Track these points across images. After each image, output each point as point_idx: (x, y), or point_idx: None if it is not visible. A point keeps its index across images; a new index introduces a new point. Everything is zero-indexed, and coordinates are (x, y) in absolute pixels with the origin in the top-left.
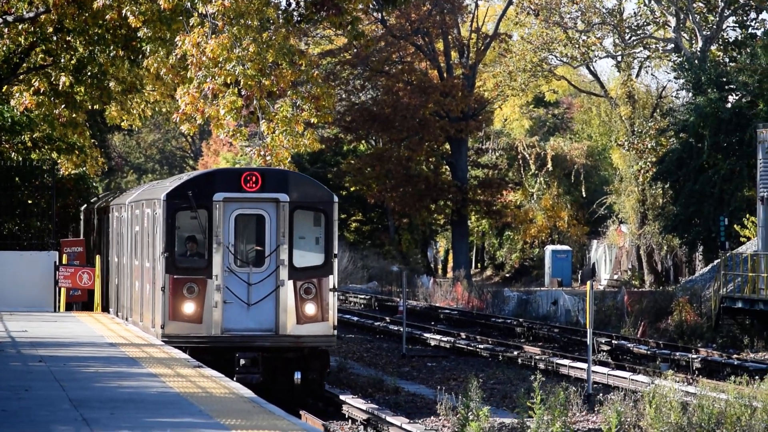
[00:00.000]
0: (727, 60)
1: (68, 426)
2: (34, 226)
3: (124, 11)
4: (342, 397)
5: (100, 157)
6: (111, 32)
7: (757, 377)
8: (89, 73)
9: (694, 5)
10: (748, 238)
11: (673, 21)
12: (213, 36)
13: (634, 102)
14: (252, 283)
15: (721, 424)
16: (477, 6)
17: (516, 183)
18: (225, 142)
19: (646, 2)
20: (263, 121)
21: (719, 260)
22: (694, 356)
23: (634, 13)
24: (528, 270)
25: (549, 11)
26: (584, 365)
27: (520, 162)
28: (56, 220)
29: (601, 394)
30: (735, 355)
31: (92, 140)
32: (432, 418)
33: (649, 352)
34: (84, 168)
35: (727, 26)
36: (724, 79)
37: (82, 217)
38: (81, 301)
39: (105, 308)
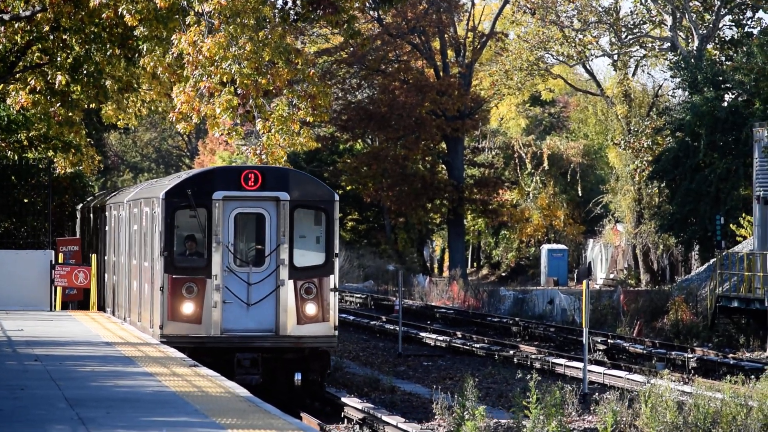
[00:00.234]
0: (723, 59)
1: (64, 425)
2: (30, 224)
3: (120, 10)
4: (343, 399)
5: (97, 156)
6: (107, 31)
7: (752, 376)
8: (85, 72)
9: (691, 4)
10: (744, 237)
11: (669, 20)
12: (209, 35)
13: (631, 101)
14: (252, 282)
15: (716, 423)
16: (473, 5)
17: (512, 182)
18: (221, 141)
19: (643, 1)
20: (259, 119)
21: (715, 259)
22: (690, 355)
23: (631, 11)
24: (524, 269)
25: (545, 10)
26: (580, 364)
27: (517, 161)
28: (52, 218)
29: (597, 394)
30: (731, 355)
31: (88, 139)
32: (430, 423)
33: (645, 352)
34: (80, 167)
35: (724, 25)
36: (721, 78)
37: (78, 215)
38: (77, 300)
39: (101, 307)
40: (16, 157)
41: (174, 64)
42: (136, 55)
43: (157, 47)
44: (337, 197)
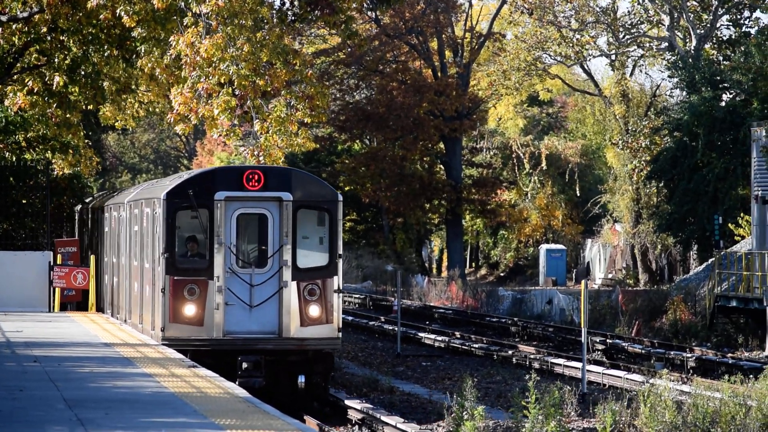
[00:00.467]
0: (721, 58)
1: (63, 426)
2: (29, 226)
3: (118, 11)
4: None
5: (95, 157)
6: (105, 32)
7: (751, 376)
8: (83, 73)
9: (688, 4)
10: (743, 237)
11: (666, 19)
12: (207, 36)
13: (628, 101)
14: (254, 284)
15: (715, 423)
16: (471, 5)
17: (510, 182)
18: (219, 142)
19: (640, 1)
20: (257, 120)
21: (713, 259)
22: (689, 355)
23: (628, 11)
24: (522, 269)
25: (543, 10)
26: (579, 364)
27: (515, 161)
28: (50, 220)
29: (595, 394)
30: (729, 354)
31: (86, 140)
32: (429, 423)
33: (643, 351)
34: (78, 168)
35: (721, 25)
36: (718, 78)
37: (76, 217)
38: (75, 301)
39: (100, 308)
40: (14, 159)
41: (172, 66)
42: (134, 56)
43: (154, 48)
44: (340, 197)
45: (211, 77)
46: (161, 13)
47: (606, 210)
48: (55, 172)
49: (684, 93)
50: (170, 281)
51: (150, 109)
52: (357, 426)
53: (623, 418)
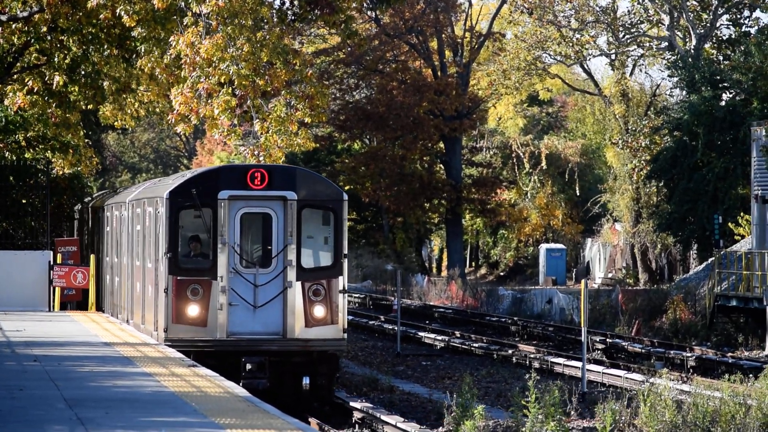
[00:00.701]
0: (720, 58)
1: (63, 425)
2: (29, 225)
3: (118, 11)
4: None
5: (94, 157)
6: (105, 32)
7: (751, 375)
8: (83, 73)
9: (688, 3)
10: (743, 236)
11: (666, 19)
12: (207, 36)
13: (628, 100)
14: (258, 284)
15: (715, 422)
16: (471, 5)
17: (510, 181)
18: (219, 142)
19: (640, 0)
20: (257, 120)
21: (713, 258)
22: (689, 354)
23: (628, 11)
24: (522, 268)
25: (543, 9)
26: (579, 364)
27: (515, 160)
28: (50, 219)
29: (595, 393)
30: (729, 354)
31: (86, 140)
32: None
33: (643, 351)
34: (78, 167)
35: (721, 24)
36: (718, 77)
37: (76, 216)
38: (75, 301)
39: (99, 308)
40: (14, 158)
41: (172, 65)
42: (134, 55)
43: (154, 48)
44: (345, 197)
45: (211, 77)
46: (161, 12)
47: (606, 209)
48: (55, 172)
49: (684, 92)
50: (173, 281)
51: (150, 108)
52: (357, 425)
53: (623, 418)
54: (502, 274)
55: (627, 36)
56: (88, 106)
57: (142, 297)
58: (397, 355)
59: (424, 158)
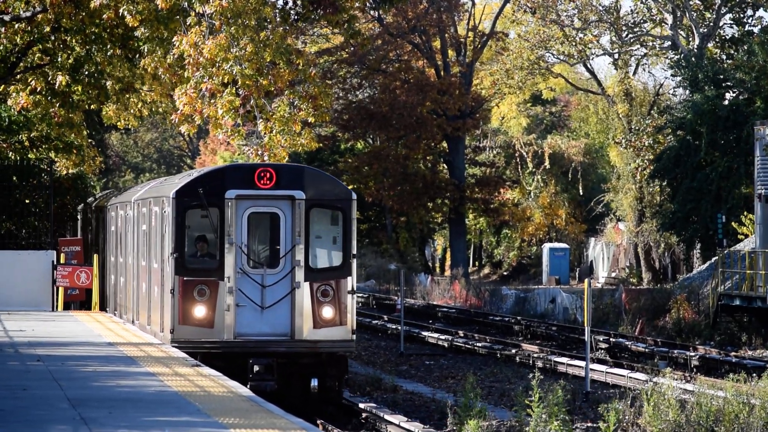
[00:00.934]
0: (724, 57)
1: (66, 425)
2: (32, 225)
3: (121, 10)
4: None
5: (98, 157)
6: (108, 31)
7: (755, 375)
8: (86, 73)
9: (691, 2)
10: (746, 236)
11: (669, 18)
12: (210, 36)
13: (632, 99)
14: (266, 285)
15: (719, 421)
16: (474, 4)
17: (513, 181)
18: (222, 141)
19: (643, 0)
20: (261, 120)
21: (717, 258)
22: (692, 354)
23: (631, 10)
24: (526, 268)
25: (546, 9)
26: (582, 363)
27: (518, 160)
28: (54, 219)
29: (599, 392)
30: (733, 353)
31: (89, 139)
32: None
33: (647, 350)
34: (81, 167)
35: (724, 23)
36: (721, 77)
37: (79, 216)
38: (79, 301)
39: (103, 308)
40: (18, 158)
41: (175, 65)
42: (137, 55)
43: (158, 48)
44: (354, 196)
45: (214, 77)
46: (164, 12)
47: (609, 209)
48: (59, 172)
49: (687, 92)
50: (179, 282)
51: (153, 108)
52: (360, 425)
53: (627, 417)
54: (505, 273)
55: (630, 35)
56: (91, 106)
57: (147, 297)
58: (401, 354)
59: (428, 158)
